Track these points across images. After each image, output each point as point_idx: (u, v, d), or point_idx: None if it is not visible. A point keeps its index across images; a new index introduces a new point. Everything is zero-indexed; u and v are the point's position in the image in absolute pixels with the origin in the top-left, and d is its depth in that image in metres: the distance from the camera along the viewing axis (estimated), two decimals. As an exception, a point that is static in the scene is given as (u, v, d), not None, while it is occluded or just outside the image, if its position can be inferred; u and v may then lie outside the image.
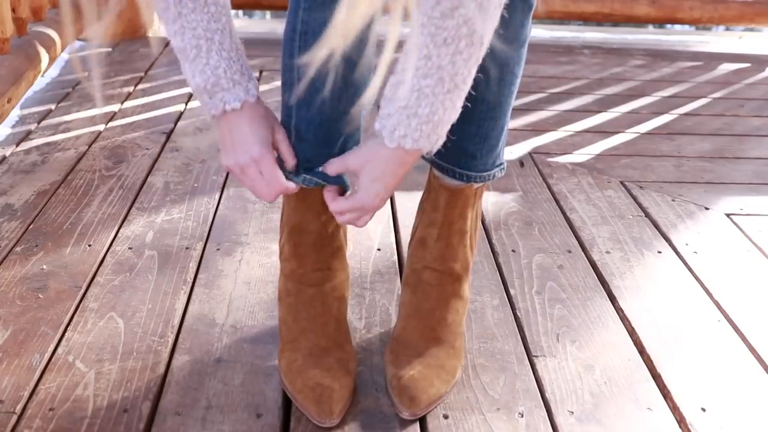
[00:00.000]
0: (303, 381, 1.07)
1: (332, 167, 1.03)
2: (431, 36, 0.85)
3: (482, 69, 1.04)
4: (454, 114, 0.92)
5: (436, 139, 0.93)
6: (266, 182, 1.00)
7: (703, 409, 1.13)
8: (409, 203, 1.68)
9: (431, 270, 1.18)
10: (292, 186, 1.02)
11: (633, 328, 1.30)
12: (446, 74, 0.87)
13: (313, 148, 1.06)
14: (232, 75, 0.95)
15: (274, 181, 1.00)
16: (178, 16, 0.91)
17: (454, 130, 1.10)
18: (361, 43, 0.68)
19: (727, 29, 3.75)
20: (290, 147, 1.04)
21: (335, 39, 0.64)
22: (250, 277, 1.41)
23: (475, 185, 1.15)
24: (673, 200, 1.77)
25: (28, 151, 1.90)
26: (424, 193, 1.21)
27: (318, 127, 1.04)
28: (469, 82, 0.90)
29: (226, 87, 0.95)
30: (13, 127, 2.05)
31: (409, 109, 0.90)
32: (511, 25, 1.03)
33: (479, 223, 1.23)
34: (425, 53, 0.86)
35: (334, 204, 1.02)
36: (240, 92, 0.96)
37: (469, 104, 1.08)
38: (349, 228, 1.49)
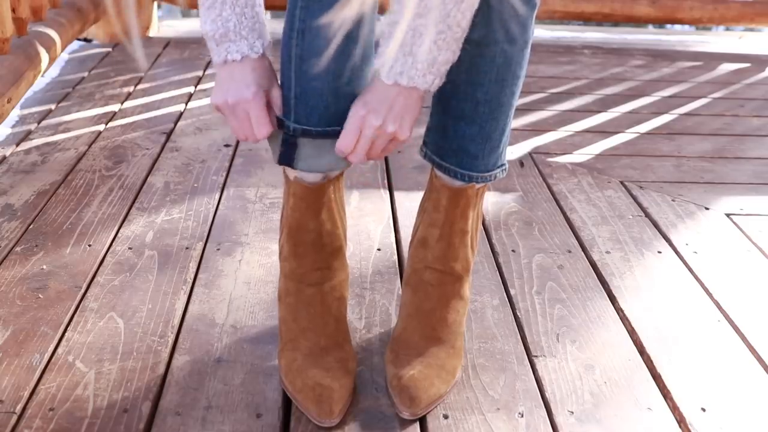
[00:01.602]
0: (303, 381, 1.08)
1: (344, 143, 1.02)
2: None
3: (485, 69, 1.04)
4: (450, 55, 0.95)
5: (433, 79, 0.97)
6: (254, 122, 1.04)
7: (703, 409, 1.13)
8: (409, 203, 1.68)
9: (432, 270, 1.18)
10: (270, 131, 1.06)
11: (633, 328, 1.30)
12: (438, 15, 0.91)
13: (312, 110, 1.05)
14: (240, 30, 1.00)
15: (261, 120, 1.04)
16: None
17: (456, 130, 1.11)
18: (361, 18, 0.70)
19: (727, 29, 3.75)
20: (281, 99, 1.07)
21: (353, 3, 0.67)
22: (250, 277, 1.41)
23: (477, 185, 1.15)
24: (673, 200, 1.77)
25: (28, 151, 1.90)
26: (425, 193, 1.21)
27: (321, 95, 1.03)
28: (464, 26, 0.93)
29: (233, 39, 1.01)
30: (13, 127, 2.05)
31: (405, 47, 0.94)
32: (514, 26, 1.03)
33: (480, 223, 1.23)
34: None
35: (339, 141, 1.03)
36: (244, 47, 1.01)
37: (471, 105, 1.08)
38: (349, 228, 1.49)
